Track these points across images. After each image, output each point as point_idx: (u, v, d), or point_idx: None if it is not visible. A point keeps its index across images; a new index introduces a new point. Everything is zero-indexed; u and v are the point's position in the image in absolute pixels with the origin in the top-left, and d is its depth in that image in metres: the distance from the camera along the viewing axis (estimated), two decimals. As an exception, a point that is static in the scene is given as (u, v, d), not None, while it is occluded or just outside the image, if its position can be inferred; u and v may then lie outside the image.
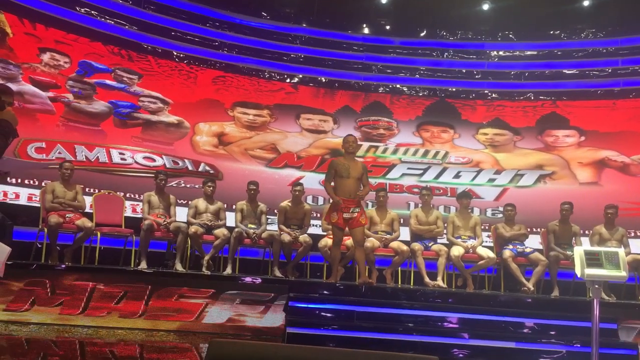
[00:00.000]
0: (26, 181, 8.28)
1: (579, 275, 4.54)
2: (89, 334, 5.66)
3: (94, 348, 5.24)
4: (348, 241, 6.98)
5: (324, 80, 10.70)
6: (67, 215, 6.97)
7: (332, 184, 6.56)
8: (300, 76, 10.67)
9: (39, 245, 6.93)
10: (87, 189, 8.12)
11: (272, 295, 6.19)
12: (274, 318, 6.09)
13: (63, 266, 6.45)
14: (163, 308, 6.05)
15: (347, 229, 6.54)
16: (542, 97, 10.51)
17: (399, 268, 7.53)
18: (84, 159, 8.93)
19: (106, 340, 5.49)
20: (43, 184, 7.98)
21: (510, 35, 10.79)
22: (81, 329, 5.81)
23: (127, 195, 8.72)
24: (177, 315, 6.05)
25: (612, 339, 5.86)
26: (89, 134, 9.16)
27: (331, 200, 6.59)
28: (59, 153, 8.70)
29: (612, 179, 9.93)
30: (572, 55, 10.53)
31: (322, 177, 9.83)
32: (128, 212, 8.24)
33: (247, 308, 6.13)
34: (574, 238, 7.58)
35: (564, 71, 10.54)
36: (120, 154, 9.27)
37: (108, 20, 9.54)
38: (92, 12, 9.41)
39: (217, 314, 6.10)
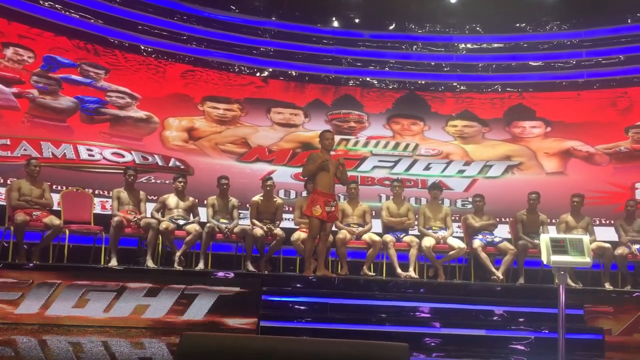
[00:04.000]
0: (-9, 179, 8.10)
1: (545, 262, 4.65)
2: (59, 332, 5.58)
3: (60, 343, 5.19)
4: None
5: (294, 74, 10.68)
6: (34, 213, 6.84)
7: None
8: (270, 70, 10.63)
9: (5, 244, 6.80)
10: (54, 186, 7.99)
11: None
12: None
13: (31, 265, 6.34)
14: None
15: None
16: (509, 89, 10.68)
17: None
18: (51, 156, 8.77)
19: (76, 337, 5.43)
20: (9, 181, 7.81)
21: (478, 28, 10.92)
22: (52, 327, 5.73)
23: (96, 192, 8.61)
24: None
25: (579, 325, 6.03)
26: (55, 130, 8.99)
27: (304, 194, 6.63)
28: (25, 150, 8.52)
29: (577, 168, 10.16)
30: (537, 47, 10.70)
31: (294, 170, 9.91)
32: (97, 209, 8.13)
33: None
34: (541, 227, 7.73)
35: (529, 63, 10.72)
36: (88, 150, 9.13)
37: (73, 14, 9.34)
38: (57, 5, 9.20)
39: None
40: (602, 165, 10.10)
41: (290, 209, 8.69)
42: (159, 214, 7.34)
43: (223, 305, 6.03)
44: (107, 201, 8.34)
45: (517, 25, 10.83)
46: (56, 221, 6.83)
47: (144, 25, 9.92)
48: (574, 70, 10.51)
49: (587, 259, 4.57)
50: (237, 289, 6.13)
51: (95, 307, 5.92)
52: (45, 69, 9.02)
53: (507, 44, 10.84)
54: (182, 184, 7.44)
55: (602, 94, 10.32)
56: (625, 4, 10.21)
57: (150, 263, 6.89)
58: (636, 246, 7.46)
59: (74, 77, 9.24)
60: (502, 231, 8.20)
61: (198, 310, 6.02)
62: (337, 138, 9.91)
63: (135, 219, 7.07)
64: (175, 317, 5.97)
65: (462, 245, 7.52)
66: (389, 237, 7.43)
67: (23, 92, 8.80)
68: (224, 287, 6.13)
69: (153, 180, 9.28)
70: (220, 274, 6.36)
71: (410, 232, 7.75)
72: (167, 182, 9.00)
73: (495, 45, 10.90)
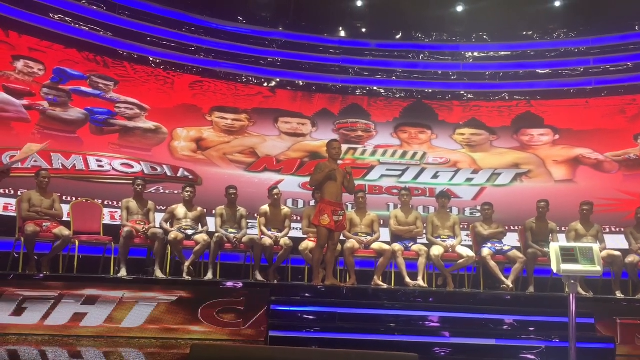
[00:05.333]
0: (1, 190, 8.16)
1: (555, 271, 4.62)
2: (73, 343, 5.60)
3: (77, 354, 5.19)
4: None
5: (301, 84, 10.73)
6: (44, 224, 6.88)
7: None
8: (278, 80, 10.68)
9: (16, 255, 6.84)
10: (64, 197, 8.04)
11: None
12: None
13: (41, 275, 6.37)
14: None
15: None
16: (516, 97, 10.67)
17: (380, 269, 7.57)
18: (61, 167, 8.83)
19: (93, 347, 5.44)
20: (19, 192, 7.87)
21: (484, 37, 10.93)
22: (67, 338, 5.74)
23: (105, 202, 8.65)
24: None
25: (590, 334, 5.97)
26: (65, 142, 9.06)
27: (312, 203, 6.63)
28: (35, 161, 8.58)
29: (586, 176, 10.11)
30: (544, 55, 10.70)
31: (302, 180, 9.93)
32: (106, 220, 8.17)
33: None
34: (550, 235, 7.70)
35: (537, 71, 10.71)
36: (97, 161, 9.19)
37: (82, 27, 9.44)
38: (67, 18, 9.31)
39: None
40: (611, 172, 10.05)
41: (299, 218, 8.70)
42: (168, 224, 7.37)
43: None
44: (116, 211, 8.39)
45: (524, 33, 10.83)
46: (66, 231, 6.87)
47: (153, 37, 10.01)
48: (582, 77, 10.48)
49: (598, 268, 4.54)
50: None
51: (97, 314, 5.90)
52: (55, 81, 9.10)
53: (514, 52, 10.84)
54: (189, 193, 7.46)
55: (610, 101, 10.28)
56: (633, 11, 10.18)
57: (159, 273, 6.90)
58: (647, 254, 7.40)
59: (83, 88, 9.33)
60: (511, 239, 8.16)
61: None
62: (344, 147, 9.93)
63: (144, 229, 7.10)
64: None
65: (471, 253, 7.49)
66: (397, 246, 7.42)
67: (33, 104, 8.88)
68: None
69: (162, 191, 9.32)
70: (229, 283, 6.36)
71: (418, 240, 7.73)
72: (175, 192, 9.04)
73: (502, 53, 10.90)
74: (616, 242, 8.02)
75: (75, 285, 6.01)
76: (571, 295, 4.56)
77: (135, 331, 5.92)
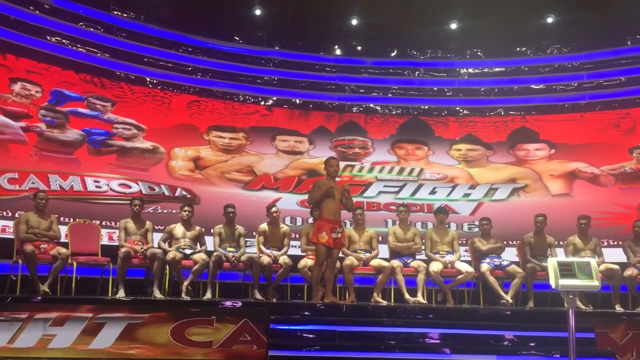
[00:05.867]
0: (-1, 212, 8.16)
1: (553, 286, 4.63)
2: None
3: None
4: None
5: (298, 102, 10.80)
6: (41, 245, 6.86)
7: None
8: (275, 98, 10.74)
9: (14, 278, 6.81)
10: (62, 219, 8.03)
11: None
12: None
13: (39, 298, 6.34)
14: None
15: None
16: (512, 112, 10.74)
17: (379, 286, 7.56)
18: (58, 188, 8.83)
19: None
20: (17, 214, 7.86)
21: (479, 53, 11.04)
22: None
23: (103, 223, 8.62)
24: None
25: (590, 348, 5.96)
26: (62, 163, 9.07)
27: (310, 221, 6.65)
28: (32, 183, 8.59)
29: (583, 190, 10.14)
30: (538, 70, 10.80)
31: (300, 197, 9.94)
32: (104, 241, 8.14)
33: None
34: (549, 249, 7.70)
35: (531, 86, 10.80)
36: (95, 181, 9.19)
37: (80, 49, 9.51)
38: (64, 41, 9.37)
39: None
40: (607, 186, 10.08)
41: (297, 236, 8.69)
42: (166, 243, 7.36)
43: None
44: (114, 232, 8.37)
45: (518, 49, 10.94)
46: (63, 250, 6.84)
47: (150, 57, 10.08)
48: (576, 92, 10.57)
49: (596, 282, 4.56)
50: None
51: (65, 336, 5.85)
52: (52, 102, 9.14)
53: (508, 68, 10.94)
54: (186, 212, 7.46)
55: (604, 116, 10.36)
56: (625, 26, 10.31)
57: (157, 294, 6.87)
58: (645, 267, 7.40)
59: (81, 110, 9.36)
60: (510, 254, 8.15)
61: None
62: (342, 164, 9.95)
63: (142, 249, 7.09)
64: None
65: (469, 269, 7.48)
66: (396, 263, 7.41)
67: (31, 126, 8.91)
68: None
69: (160, 210, 9.32)
70: (228, 303, 6.34)
71: (417, 257, 7.72)
72: (173, 211, 9.03)
73: (497, 69, 11.00)
74: (614, 255, 8.04)
75: (43, 307, 5.96)
76: (570, 310, 4.56)
77: (104, 353, 5.87)
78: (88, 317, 5.93)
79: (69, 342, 5.84)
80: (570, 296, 4.57)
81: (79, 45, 9.51)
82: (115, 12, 9.91)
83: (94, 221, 8.14)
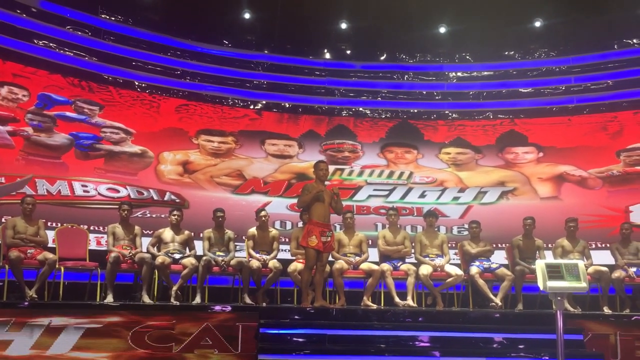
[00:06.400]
0: (-15, 218, 8.07)
1: (541, 288, 4.65)
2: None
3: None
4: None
5: (287, 106, 10.78)
6: (28, 251, 6.79)
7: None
8: (264, 102, 10.73)
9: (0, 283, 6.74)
10: (49, 223, 7.97)
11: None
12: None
13: (26, 303, 6.27)
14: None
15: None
16: (500, 116, 10.79)
17: (369, 289, 7.55)
18: (45, 193, 8.76)
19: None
20: (3, 219, 7.78)
21: (467, 57, 11.09)
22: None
23: (91, 227, 8.58)
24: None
25: (579, 350, 5.98)
26: (50, 167, 9.00)
27: (300, 225, 6.64)
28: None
29: (571, 192, 10.20)
30: (526, 74, 10.86)
31: (289, 201, 9.92)
32: (92, 245, 8.08)
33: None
34: (537, 252, 7.74)
35: (520, 90, 10.86)
36: (82, 186, 9.12)
37: (67, 52, 9.45)
38: (51, 44, 9.31)
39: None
40: (595, 189, 10.15)
41: (287, 240, 8.68)
42: (155, 248, 7.31)
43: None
44: (102, 237, 8.31)
45: (506, 53, 11.01)
46: (50, 255, 6.78)
47: (138, 61, 10.04)
48: (564, 95, 10.65)
49: (583, 284, 4.58)
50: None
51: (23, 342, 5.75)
52: (39, 106, 9.07)
53: (497, 72, 11.00)
54: (175, 217, 7.43)
55: (592, 119, 10.44)
56: (612, 30, 10.40)
57: (146, 298, 6.83)
58: (633, 269, 7.46)
59: (68, 114, 9.30)
60: (499, 257, 8.19)
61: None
62: (331, 168, 9.96)
63: (130, 254, 7.04)
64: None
65: (459, 272, 7.50)
66: (386, 266, 7.41)
67: (18, 130, 8.83)
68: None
69: (148, 215, 9.27)
70: (218, 307, 6.31)
71: (407, 260, 7.72)
72: (162, 216, 9.00)
73: (485, 73, 11.05)
74: (602, 257, 8.08)
75: (30, 313, 5.89)
76: (558, 312, 4.58)
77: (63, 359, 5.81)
78: (45, 324, 5.85)
79: (26, 348, 5.76)
80: (559, 298, 4.59)
81: (66, 49, 9.44)
82: (103, 16, 9.86)
83: (81, 226, 8.10)
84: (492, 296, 7.31)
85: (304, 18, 10.76)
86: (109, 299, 6.76)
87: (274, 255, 7.52)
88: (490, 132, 10.74)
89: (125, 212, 7.38)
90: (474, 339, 6.08)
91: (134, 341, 5.96)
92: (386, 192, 10.41)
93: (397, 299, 7.24)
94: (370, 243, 7.89)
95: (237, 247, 7.70)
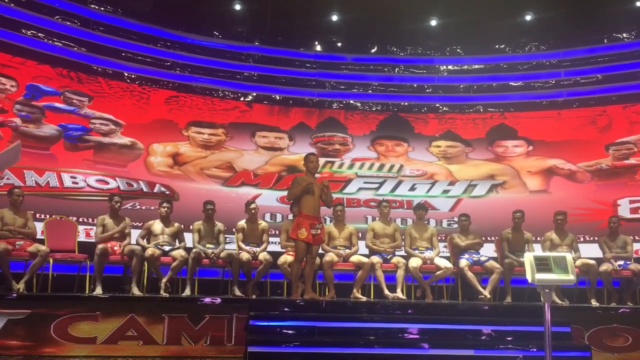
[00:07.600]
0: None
1: (530, 281, 4.68)
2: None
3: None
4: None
5: (278, 98, 10.75)
6: (17, 242, 6.75)
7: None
8: (254, 94, 10.69)
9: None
10: (38, 215, 7.91)
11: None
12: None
13: (14, 295, 6.24)
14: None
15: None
16: (490, 109, 10.82)
17: (359, 282, 7.58)
18: (34, 184, 8.70)
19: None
20: (-9, 211, 7.71)
21: (458, 50, 11.10)
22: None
23: (80, 219, 8.53)
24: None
25: (566, 342, 6.04)
26: (38, 159, 8.92)
27: (290, 217, 6.64)
28: (7, 179, 8.44)
29: (560, 186, 10.27)
30: (517, 68, 10.89)
31: (280, 194, 9.91)
32: (81, 237, 8.04)
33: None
34: (526, 245, 7.80)
35: (510, 83, 10.90)
36: (71, 177, 9.06)
37: (56, 43, 9.34)
38: (39, 34, 9.21)
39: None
40: (584, 182, 10.22)
41: (277, 232, 8.68)
42: (144, 240, 7.29)
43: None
44: (91, 229, 8.27)
45: (497, 46, 11.01)
46: (42, 247, 6.74)
47: (128, 52, 9.95)
48: (554, 89, 10.69)
49: (571, 277, 4.62)
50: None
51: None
52: (28, 97, 8.98)
53: (487, 65, 11.02)
54: (165, 209, 7.41)
55: (581, 113, 10.49)
56: (601, 25, 10.44)
57: (135, 290, 6.82)
58: (619, 262, 7.53)
59: (57, 105, 9.21)
60: (488, 250, 8.24)
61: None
62: (322, 160, 9.96)
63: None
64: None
65: (448, 265, 7.54)
66: (376, 259, 7.44)
67: (5, 121, 8.74)
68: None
69: (138, 207, 9.23)
70: (207, 299, 6.31)
71: (397, 253, 7.75)
72: (152, 208, 8.97)
73: (476, 66, 11.07)
74: (590, 251, 8.16)
75: (18, 305, 5.85)
76: (546, 305, 4.62)
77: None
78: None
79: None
80: (547, 290, 4.62)
81: (55, 39, 9.34)
82: (92, 6, 9.75)
83: (70, 218, 8.05)
84: (481, 289, 7.36)
85: (294, 10, 10.72)
86: (98, 290, 6.74)
87: (263, 248, 7.52)
88: (481, 125, 10.77)
89: (118, 204, 7.36)
90: (462, 331, 6.12)
91: (56, 333, 5.88)
92: (376, 185, 10.42)
93: (386, 292, 7.27)
94: (360, 236, 7.90)
95: (227, 239, 7.68)
